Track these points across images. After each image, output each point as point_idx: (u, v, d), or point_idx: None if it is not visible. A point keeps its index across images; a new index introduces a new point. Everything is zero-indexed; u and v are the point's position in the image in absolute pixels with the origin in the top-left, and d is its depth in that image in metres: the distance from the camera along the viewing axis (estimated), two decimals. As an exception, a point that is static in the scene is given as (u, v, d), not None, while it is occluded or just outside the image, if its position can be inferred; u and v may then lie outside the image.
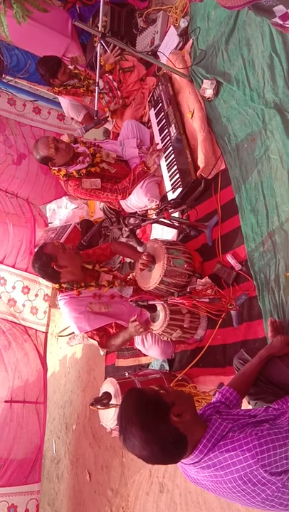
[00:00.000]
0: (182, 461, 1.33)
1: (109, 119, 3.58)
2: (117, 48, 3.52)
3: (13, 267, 3.89)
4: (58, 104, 4.12)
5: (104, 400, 2.38)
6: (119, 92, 3.56)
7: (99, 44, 2.81)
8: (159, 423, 1.27)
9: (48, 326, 4.06)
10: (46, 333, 4.04)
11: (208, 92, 2.73)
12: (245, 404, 1.74)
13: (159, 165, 3.10)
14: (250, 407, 1.75)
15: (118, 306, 2.60)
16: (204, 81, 2.75)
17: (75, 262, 2.52)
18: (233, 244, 2.43)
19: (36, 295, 4.01)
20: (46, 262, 2.44)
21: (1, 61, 4.20)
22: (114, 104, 3.56)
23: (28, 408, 3.83)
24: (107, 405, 2.38)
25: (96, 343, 2.56)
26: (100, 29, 2.79)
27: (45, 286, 4.05)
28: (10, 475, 3.62)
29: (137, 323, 2.30)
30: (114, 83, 3.56)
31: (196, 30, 3.03)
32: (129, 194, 3.15)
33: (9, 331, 3.85)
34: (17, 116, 4.03)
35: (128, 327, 2.38)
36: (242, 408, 1.64)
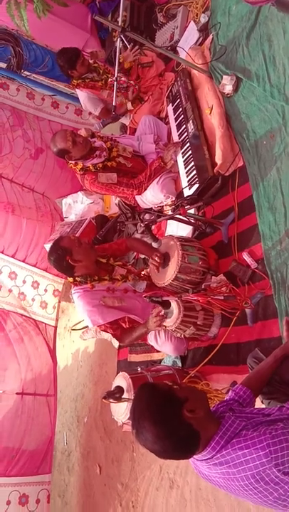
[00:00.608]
0: (194, 457, 1.33)
1: (130, 107, 3.55)
2: (136, 48, 3.52)
3: (23, 261, 3.94)
4: (76, 99, 4.13)
5: (116, 394, 2.40)
6: (137, 86, 3.55)
7: (118, 39, 2.81)
8: (172, 418, 1.27)
9: (57, 320, 4.12)
10: (55, 327, 4.10)
11: (228, 88, 2.70)
12: (259, 404, 1.73)
13: (176, 161, 3.09)
14: (263, 406, 1.74)
15: (131, 301, 2.60)
16: (224, 77, 2.72)
17: (89, 257, 2.54)
18: (250, 242, 2.41)
19: (46, 290, 4.06)
20: (61, 255, 2.46)
21: (21, 55, 4.24)
22: (132, 93, 3.54)
23: (39, 400, 3.89)
24: (119, 399, 2.39)
25: (109, 336, 2.57)
26: (119, 24, 2.79)
27: (55, 281, 4.10)
28: (22, 465, 3.68)
29: (157, 318, 2.30)
30: (131, 82, 3.56)
31: (216, 25, 3.00)
32: (145, 189, 3.14)
33: (21, 324, 3.91)
34: (35, 110, 4.06)
35: (146, 321, 2.38)
36: (255, 407, 1.63)
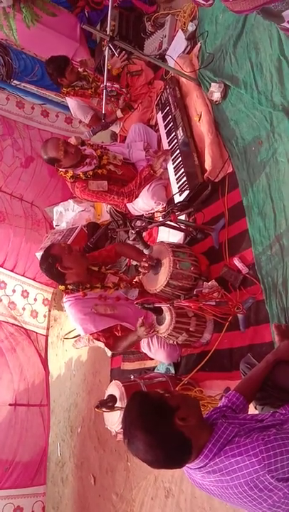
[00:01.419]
0: (188, 465, 1.32)
1: (120, 115, 3.57)
2: (123, 53, 3.54)
3: (12, 270, 3.92)
4: (66, 107, 4.14)
5: (109, 403, 2.37)
6: (126, 92, 3.56)
7: (107, 47, 2.82)
8: (163, 427, 1.26)
9: (48, 329, 4.09)
10: (47, 336, 4.07)
11: (216, 96, 2.72)
12: (252, 409, 1.72)
13: (166, 168, 3.10)
14: (256, 411, 1.73)
15: (123, 309, 2.59)
16: (212, 84, 2.75)
17: (80, 264, 2.53)
18: (240, 247, 2.41)
19: (35, 299, 4.04)
20: (52, 262, 2.46)
21: (10, 65, 4.24)
22: (123, 101, 3.56)
23: (33, 411, 3.85)
24: (112, 408, 2.37)
25: (102, 344, 2.55)
26: (108, 33, 2.80)
27: (44, 290, 4.08)
28: (16, 477, 3.63)
29: (144, 327, 2.29)
30: (123, 89, 3.58)
31: (203, 33, 3.03)
32: (136, 197, 3.14)
33: (12, 334, 3.88)
34: (25, 119, 4.06)
35: (136, 329, 2.37)
36: (248, 413, 1.62)
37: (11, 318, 3.87)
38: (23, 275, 3.96)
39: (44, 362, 3.96)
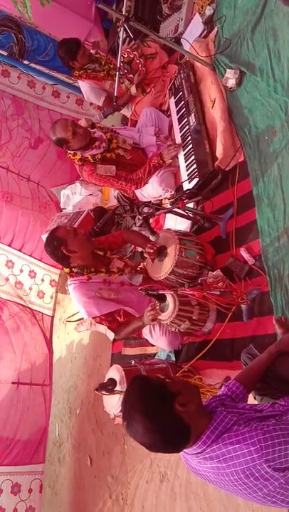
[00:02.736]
0: (185, 450, 1.33)
1: (134, 91, 3.50)
2: (133, 42, 3.47)
3: (20, 250, 3.92)
4: (78, 89, 4.09)
5: (109, 386, 2.39)
6: (144, 68, 3.49)
7: (122, 28, 2.77)
8: (163, 411, 1.26)
9: (54, 310, 4.10)
10: (52, 317, 4.08)
11: (231, 82, 2.67)
12: (251, 399, 1.72)
13: (177, 156, 3.06)
14: (256, 402, 1.73)
15: (127, 294, 2.59)
16: (227, 70, 2.69)
17: (85, 248, 2.52)
18: (248, 238, 2.39)
19: (42, 280, 4.05)
20: (57, 245, 2.46)
21: (23, 43, 4.18)
22: (138, 76, 3.49)
23: (35, 390, 3.88)
24: (111, 391, 2.38)
25: (104, 328, 2.56)
26: (124, 13, 2.75)
27: (51, 271, 4.07)
28: (15, 455, 3.68)
29: (152, 312, 2.29)
30: (141, 60, 3.50)
31: (221, 18, 2.96)
32: (144, 185, 3.12)
33: (18, 314, 3.90)
34: (36, 99, 4.02)
35: (142, 316, 2.37)
36: (248, 403, 1.62)
37: (17, 298, 3.89)
38: (30, 255, 3.96)
39: (48, 342, 3.98)
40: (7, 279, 3.85)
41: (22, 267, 3.93)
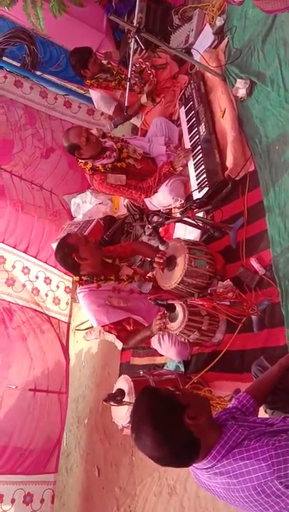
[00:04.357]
0: (194, 465, 1.30)
1: (144, 100, 3.52)
2: (144, 51, 3.50)
3: (35, 257, 3.93)
4: (89, 99, 4.14)
5: (117, 397, 2.37)
6: (155, 78, 3.52)
7: (133, 39, 2.79)
8: (173, 424, 1.24)
9: (70, 316, 4.08)
10: (69, 323, 4.06)
11: (241, 92, 2.67)
12: (262, 413, 1.69)
13: (186, 164, 3.06)
14: (266, 415, 1.70)
15: (136, 302, 2.59)
16: (238, 80, 2.70)
17: (95, 256, 2.53)
18: (258, 248, 2.37)
19: (58, 286, 4.04)
20: (68, 252, 2.46)
21: (36, 54, 4.25)
22: (149, 85, 3.51)
23: (51, 398, 3.85)
24: (120, 402, 2.36)
25: (113, 337, 2.55)
26: (135, 25, 2.77)
27: (66, 279, 4.07)
28: (29, 464, 3.63)
29: (161, 321, 2.28)
30: (152, 70, 3.52)
31: (232, 28, 2.97)
32: (154, 193, 3.13)
33: (35, 320, 3.88)
34: (48, 109, 4.07)
35: (151, 325, 2.36)
36: (258, 416, 1.59)
37: (33, 304, 3.88)
38: (45, 262, 3.97)
39: (65, 349, 3.95)
40: (24, 286, 3.86)
41: (37, 274, 3.94)
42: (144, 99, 3.54)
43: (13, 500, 3.46)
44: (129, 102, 3.26)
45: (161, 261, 2.41)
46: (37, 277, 3.94)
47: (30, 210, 4.05)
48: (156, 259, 2.44)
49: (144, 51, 3.50)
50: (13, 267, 3.84)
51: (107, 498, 3.48)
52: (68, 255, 2.47)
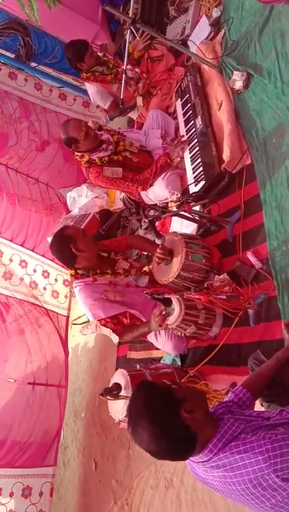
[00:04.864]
0: (191, 458, 1.31)
1: (139, 103, 3.50)
2: (146, 33, 3.45)
3: (32, 250, 3.90)
4: (84, 91, 4.10)
5: (114, 391, 2.36)
6: (146, 80, 3.49)
7: (128, 30, 2.76)
8: (169, 418, 1.24)
9: (69, 310, 4.05)
10: (68, 317, 4.04)
11: (238, 84, 2.65)
12: (258, 406, 1.69)
13: (183, 157, 3.05)
14: (263, 408, 1.70)
15: (132, 296, 2.58)
16: (234, 72, 2.67)
17: (92, 249, 2.51)
18: (255, 241, 2.36)
19: (56, 280, 4.01)
20: (65, 243, 2.44)
21: (30, 46, 4.19)
22: (143, 87, 3.48)
23: (50, 391, 3.82)
24: (116, 396, 2.36)
25: (109, 332, 2.55)
26: (130, 16, 2.74)
27: (64, 272, 4.03)
28: (27, 457, 3.61)
29: (160, 317, 2.27)
30: (143, 74, 3.50)
31: (228, 20, 2.94)
32: (150, 186, 3.11)
33: (30, 313, 3.86)
34: (43, 101, 4.01)
35: (149, 321, 2.35)
36: (255, 410, 1.60)
37: (31, 298, 3.85)
38: (42, 256, 3.94)
39: (64, 343, 3.92)
40: (22, 279, 3.83)
41: (35, 267, 3.90)
42: (139, 101, 3.52)
43: (11, 494, 3.45)
44: (126, 96, 3.23)
45: (163, 255, 2.40)
46: (35, 271, 3.91)
47: (26, 204, 4.01)
48: (157, 254, 2.42)
49: (146, 33, 3.42)
50: (11, 260, 3.80)
51: (104, 491, 3.49)
52: (66, 246, 2.44)
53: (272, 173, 2.32)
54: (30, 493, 3.54)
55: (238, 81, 2.65)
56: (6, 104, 3.85)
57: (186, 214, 2.57)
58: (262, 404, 1.71)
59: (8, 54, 4.39)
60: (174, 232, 2.61)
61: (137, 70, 3.46)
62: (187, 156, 3.01)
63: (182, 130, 3.15)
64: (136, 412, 1.27)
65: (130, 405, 1.32)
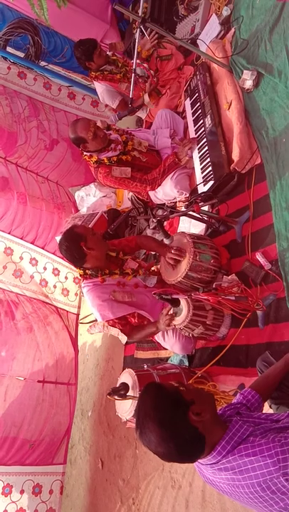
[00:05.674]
0: (199, 460, 1.30)
1: (147, 100, 3.48)
2: (154, 32, 3.44)
3: (43, 248, 3.91)
4: (93, 90, 4.09)
5: (121, 391, 2.36)
6: (155, 78, 3.48)
7: (138, 29, 2.75)
8: (178, 420, 1.23)
9: (79, 308, 4.05)
10: (78, 315, 4.04)
11: (248, 83, 2.63)
12: (267, 408, 1.68)
13: (191, 157, 3.03)
14: (271, 411, 1.69)
15: (141, 297, 2.57)
16: (244, 72, 2.65)
17: (101, 248, 2.50)
18: (264, 242, 2.35)
19: (66, 277, 4.01)
20: (76, 241, 2.40)
21: (40, 45, 4.20)
22: (150, 85, 3.47)
23: (60, 389, 3.84)
24: (124, 396, 2.36)
25: (117, 331, 2.54)
26: (140, 14, 2.73)
27: (74, 270, 4.03)
28: (38, 455, 3.63)
29: (168, 317, 2.27)
30: (151, 71, 3.49)
31: (238, 18, 2.92)
32: (159, 185, 3.10)
33: (40, 310, 3.87)
34: (52, 100, 4.02)
35: (156, 321, 2.35)
36: (263, 412, 1.58)
37: (41, 296, 3.86)
38: (53, 253, 3.95)
39: (74, 340, 3.92)
40: (32, 277, 3.83)
41: (45, 265, 3.91)
42: (146, 99, 3.49)
43: (22, 491, 3.48)
44: (135, 95, 3.22)
45: (179, 257, 2.38)
46: (45, 268, 3.92)
47: (36, 202, 4.03)
48: (172, 255, 2.40)
49: (154, 33, 3.41)
50: (21, 258, 3.81)
51: (110, 490, 3.50)
52: (76, 244, 2.40)
53: (283, 174, 2.29)
54: (40, 490, 3.56)
55: (248, 80, 2.63)
56: (15, 104, 3.87)
57: (194, 214, 2.55)
58: (270, 407, 1.70)
59: (17, 53, 4.40)
60: (182, 232, 2.60)
61: (145, 65, 3.44)
62: (196, 155, 3.00)
63: (191, 129, 3.13)
64: (144, 415, 1.26)
65: (138, 408, 1.31)
